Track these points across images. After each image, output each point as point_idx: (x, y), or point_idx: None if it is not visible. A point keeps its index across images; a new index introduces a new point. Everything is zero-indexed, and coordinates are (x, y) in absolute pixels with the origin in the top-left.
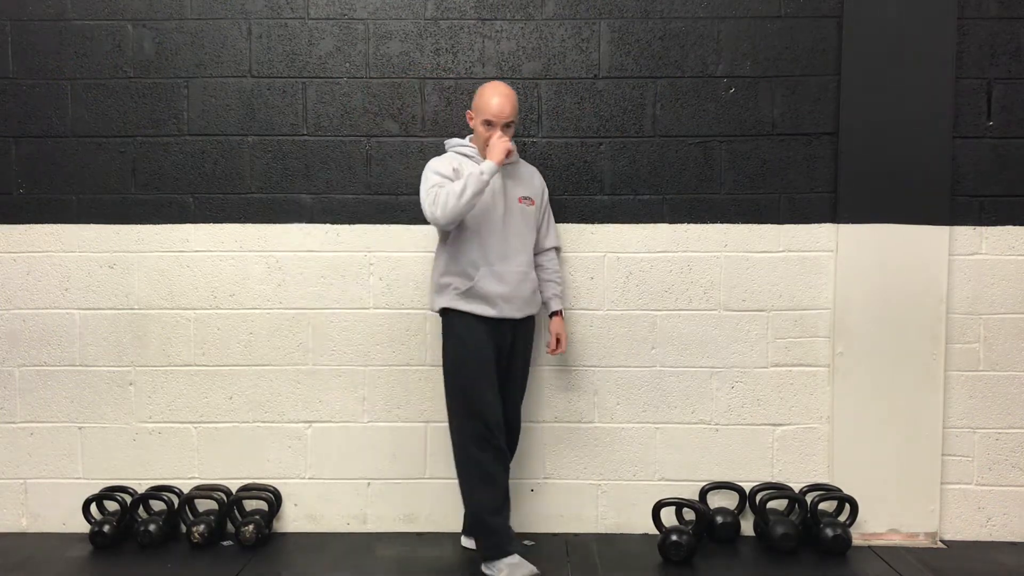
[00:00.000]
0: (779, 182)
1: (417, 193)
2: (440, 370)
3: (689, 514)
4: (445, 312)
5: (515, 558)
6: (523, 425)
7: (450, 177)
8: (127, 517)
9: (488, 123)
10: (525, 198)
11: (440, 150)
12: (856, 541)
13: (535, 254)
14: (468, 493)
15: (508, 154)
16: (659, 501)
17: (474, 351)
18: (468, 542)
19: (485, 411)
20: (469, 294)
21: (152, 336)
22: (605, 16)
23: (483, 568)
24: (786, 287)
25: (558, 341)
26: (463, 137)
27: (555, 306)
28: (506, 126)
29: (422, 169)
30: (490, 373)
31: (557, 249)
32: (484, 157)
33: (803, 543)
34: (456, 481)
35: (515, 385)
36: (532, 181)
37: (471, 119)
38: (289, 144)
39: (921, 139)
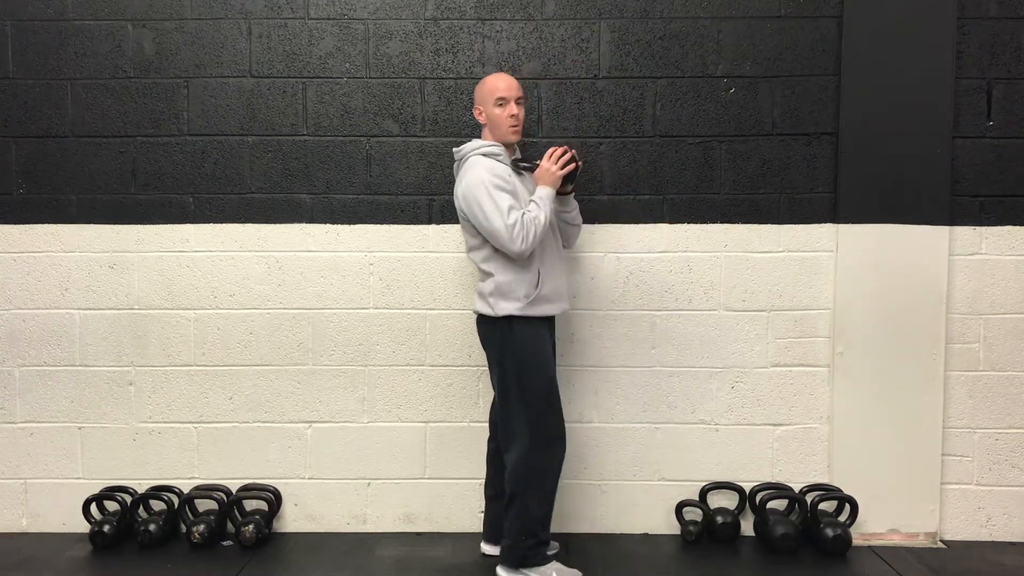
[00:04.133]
0: (779, 182)
1: (418, 193)
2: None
3: (692, 513)
4: (509, 319)
5: (557, 564)
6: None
7: (515, 194)
8: (127, 517)
9: (501, 100)
10: None
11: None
12: (856, 541)
13: None
14: (529, 498)
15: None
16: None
17: (544, 355)
18: (490, 548)
19: (558, 415)
20: (539, 299)
21: (152, 336)
22: (605, 16)
23: (508, 574)
24: (786, 287)
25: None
26: (470, 138)
27: None
28: (518, 102)
29: (422, 169)
30: (554, 376)
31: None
32: (511, 139)
33: (803, 543)
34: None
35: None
36: None
37: (480, 114)
38: (289, 144)
39: (921, 139)
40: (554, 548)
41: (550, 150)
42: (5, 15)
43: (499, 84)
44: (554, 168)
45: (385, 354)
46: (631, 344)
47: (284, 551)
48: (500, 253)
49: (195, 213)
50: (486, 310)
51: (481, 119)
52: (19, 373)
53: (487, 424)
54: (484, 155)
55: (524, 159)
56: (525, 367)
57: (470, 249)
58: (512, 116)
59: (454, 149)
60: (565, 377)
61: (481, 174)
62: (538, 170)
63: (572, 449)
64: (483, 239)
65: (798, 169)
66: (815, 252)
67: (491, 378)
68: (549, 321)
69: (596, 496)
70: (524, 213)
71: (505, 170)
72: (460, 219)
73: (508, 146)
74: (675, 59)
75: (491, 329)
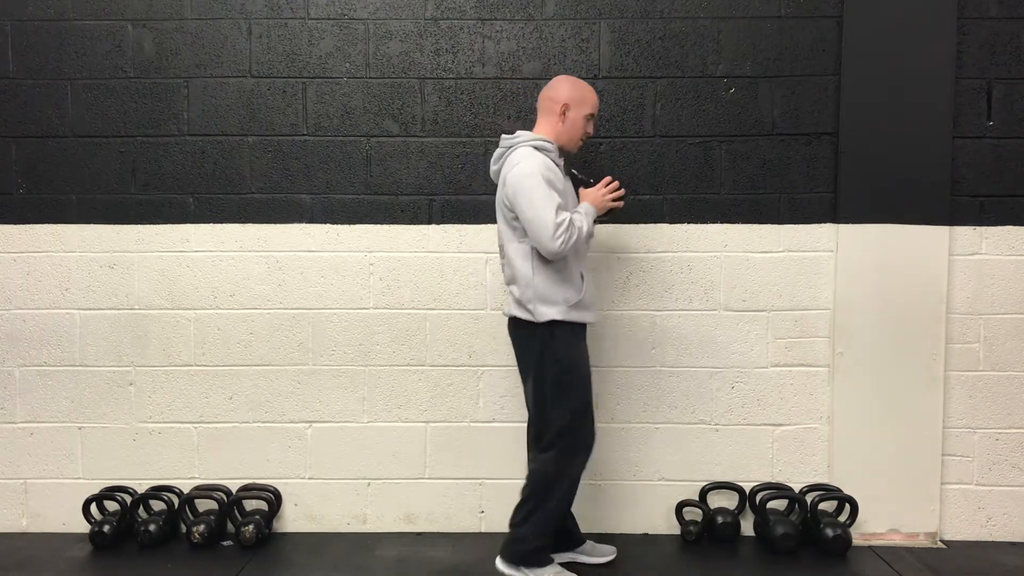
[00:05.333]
0: (779, 182)
1: (418, 193)
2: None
3: (693, 513)
4: (550, 325)
5: (557, 566)
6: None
7: (564, 194)
8: (127, 517)
9: (592, 116)
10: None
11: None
12: (856, 541)
13: None
14: (548, 505)
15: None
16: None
17: (585, 360)
18: (508, 569)
19: (591, 424)
20: (579, 305)
21: (152, 336)
22: (605, 16)
23: (509, 571)
24: (786, 287)
25: None
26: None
27: None
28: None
29: (422, 169)
30: (591, 383)
31: None
32: (572, 149)
33: (803, 543)
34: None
35: None
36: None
37: (566, 108)
38: (289, 144)
39: (921, 139)
40: (611, 554)
41: (608, 178)
42: (5, 15)
43: (596, 100)
44: (608, 197)
45: (385, 354)
46: (631, 344)
47: (284, 551)
48: (541, 256)
49: (195, 213)
50: (525, 316)
51: (555, 112)
52: (19, 373)
53: (487, 424)
54: (536, 148)
55: (580, 170)
56: (566, 373)
57: (506, 249)
58: (589, 133)
59: (503, 135)
60: None
61: (537, 166)
62: (590, 189)
63: None
64: (524, 233)
65: (798, 169)
66: (815, 252)
67: (524, 386)
68: (584, 329)
69: (596, 496)
70: (572, 217)
71: (557, 169)
72: (500, 212)
73: (560, 152)
74: (675, 59)
75: (530, 334)
